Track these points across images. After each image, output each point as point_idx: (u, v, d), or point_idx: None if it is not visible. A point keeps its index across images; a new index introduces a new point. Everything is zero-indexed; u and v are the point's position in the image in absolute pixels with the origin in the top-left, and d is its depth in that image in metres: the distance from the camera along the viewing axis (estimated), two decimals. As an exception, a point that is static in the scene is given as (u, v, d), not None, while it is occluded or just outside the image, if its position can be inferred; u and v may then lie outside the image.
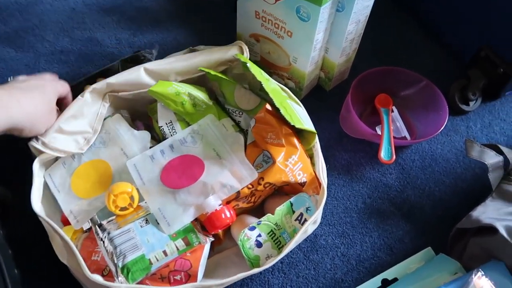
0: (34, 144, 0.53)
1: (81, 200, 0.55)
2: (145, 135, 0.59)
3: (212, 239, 0.54)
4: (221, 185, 0.54)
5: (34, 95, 0.51)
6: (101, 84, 0.57)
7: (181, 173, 0.55)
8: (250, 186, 0.54)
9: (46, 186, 0.56)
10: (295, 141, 0.57)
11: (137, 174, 0.55)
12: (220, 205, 0.54)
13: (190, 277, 0.51)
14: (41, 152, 0.54)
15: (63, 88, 0.57)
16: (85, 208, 0.54)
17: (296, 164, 0.56)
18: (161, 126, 0.59)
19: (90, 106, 0.57)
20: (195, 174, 0.55)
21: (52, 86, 0.55)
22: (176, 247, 0.50)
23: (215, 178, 0.54)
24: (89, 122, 0.58)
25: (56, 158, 0.57)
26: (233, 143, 0.57)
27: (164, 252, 0.49)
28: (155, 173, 0.55)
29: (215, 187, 0.54)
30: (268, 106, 0.57)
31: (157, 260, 0.49)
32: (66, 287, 0.57)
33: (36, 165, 0.54)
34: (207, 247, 0.54)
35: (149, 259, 0.48)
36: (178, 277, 0.50)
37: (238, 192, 0.54)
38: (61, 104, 0.58)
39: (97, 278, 0.46)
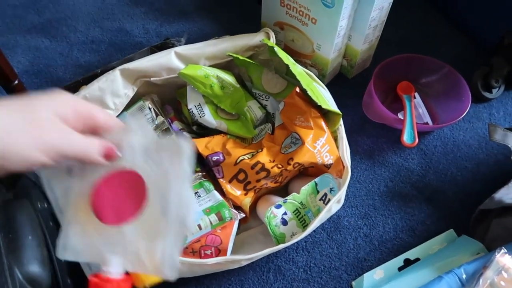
0: None
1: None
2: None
3: (243, 215, 0.56)
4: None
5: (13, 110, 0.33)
6: (133, 65, 0.59)
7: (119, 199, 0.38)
8: (280, 166, 0.56)
9: None
10: (323, 124, 0.58)
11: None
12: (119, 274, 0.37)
13: (220, 252, 0.53)
14: None
15: (94, 108, 0.37)
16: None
17: (324, 146, 0.58)
18: (190, 109, 0.61)
19: (119, 85, 0.58)
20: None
21: (66, 98, 0.36)
22: (210, 221, 0.52)
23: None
24: (113, 99, 0.58)
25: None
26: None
27: (199, 226, 0.52)
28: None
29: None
30: (297, 89, 0.58)
31: (192, 234, 0.51)
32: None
33: None
34: (236, 224, 0.57)
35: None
36: (208, 252, 0.53)
37: (268, 171, 0.56)
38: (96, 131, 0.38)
39: None
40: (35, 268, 0.42)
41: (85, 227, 0.37)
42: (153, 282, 0.38)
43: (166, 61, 0.61)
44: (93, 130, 0.37)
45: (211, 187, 0.56)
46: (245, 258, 0.52)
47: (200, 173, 0.58)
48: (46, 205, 0.57)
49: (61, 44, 0.85)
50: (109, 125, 0.38)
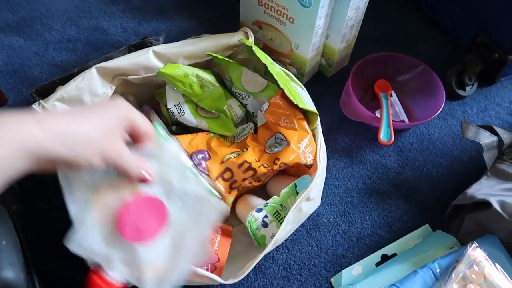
0: (35, 107, 0.53)
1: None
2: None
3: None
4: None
5: (80, 115, 0.40)
6: (110, 64, 0.58)
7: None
8: (267, 165, 0.57)
9: None
10: (306, 125, 0.59)
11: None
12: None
13: (216, 269, 0.53)
14: None
15: (139, 116, 0.43)
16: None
17: (307, 147, 0.58)
18: (170, 108, 0.61)
19: (97, 84, 0.57)
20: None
21: (124, 107, 0.42)
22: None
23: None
24: (91, 98, 0.56)
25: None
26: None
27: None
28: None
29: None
30: (283, 91, 0.58)
31: None
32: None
33: None
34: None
35: None
36: (204, 268, 0.51)
37: (255, 170, 0.56)
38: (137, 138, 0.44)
39: None
40: (9, 273, 0.42)
41: (101, 229, 0.42)
42: None
43: (144, 60, 0.60)
44: (134, 137, 0.44)
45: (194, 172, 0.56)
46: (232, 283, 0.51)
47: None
48: (23, 208, 0.56)
49: (36, 43, 0.83)
50: (148, 135, 0.44)
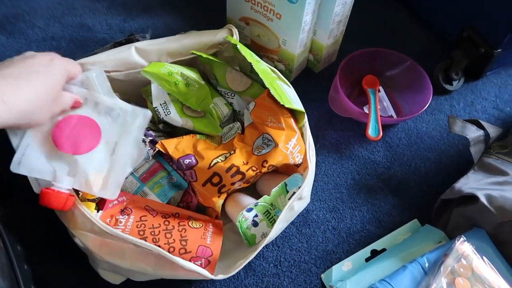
0: None
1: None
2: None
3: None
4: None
5: (32, 82, 0.42)
6: (91, 60, 0.57)
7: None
8: (255, 169, 0.56)
9: None
10: (294, 124, 0.58)
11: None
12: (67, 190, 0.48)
13: (210, 263, 0.53)
14: None
15: (75, 68, 0.49)
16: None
17: (295, 147, 0.58)
18: (156, 107, 0.60)
19: None
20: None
21: (62, 64, 0.46)
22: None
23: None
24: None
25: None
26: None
27: None
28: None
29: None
30: (269, 90, 0.58)
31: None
32: (71, 262, 0.59)
33: None
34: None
35: None
36: (198, 263, 0.52)
37: (243, 174, 0.56)
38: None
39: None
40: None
41: (42, 150, 0.47)
42: (87, 199, 0.52)
43: (126, 57, 0.60)
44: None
45: None
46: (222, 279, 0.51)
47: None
48: (9, 209, 0.56)
49: (18, 41, 0.81)
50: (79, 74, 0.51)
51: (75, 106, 0.50)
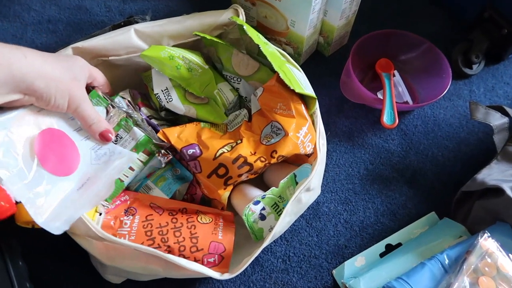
0: None
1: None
2: None
3: (168, 145, 0.54)
4: None
5: (53, 58, 0.44)
6: (87, 43, 0.54)
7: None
8: (264, 159, 0.52)
9: None
10: (304, 111, 0.54)
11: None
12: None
13: (223, 259, 0.50)
14: None
15: (97, 72, 0.50)
16: None
17: (306, 136, 0.54)
18: (157, 94, 0.56)
19: None
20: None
21: (84, 61, 0.48)
22: (140, 160, 0.52)
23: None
24: None
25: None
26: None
27: (131, 168, 0.51)
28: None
29: None
30: (278, 74, 0.53)
31: (127, 177, 0.51)
32: (69, 259, 0.56)
33: None
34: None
35: (119, 179, 0.50)
36: (211, 260, 0.50)
37: (251, 165, 0.52)
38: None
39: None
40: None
41: (23, 154, 0.43)
42: (26, 222, 0.41)
43: (125, 39, 0.56)
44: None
45: (130, 124, 0.52)
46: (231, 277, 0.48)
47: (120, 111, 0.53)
48: None
49: (14, 24, 0.77)
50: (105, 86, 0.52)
51: (107, 138, 0.48)
